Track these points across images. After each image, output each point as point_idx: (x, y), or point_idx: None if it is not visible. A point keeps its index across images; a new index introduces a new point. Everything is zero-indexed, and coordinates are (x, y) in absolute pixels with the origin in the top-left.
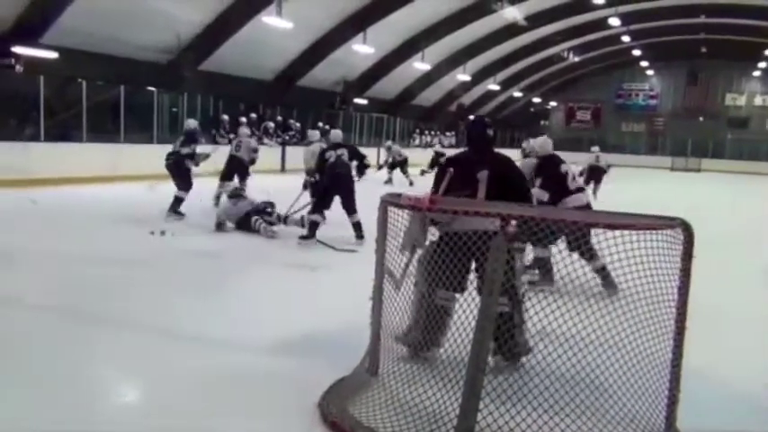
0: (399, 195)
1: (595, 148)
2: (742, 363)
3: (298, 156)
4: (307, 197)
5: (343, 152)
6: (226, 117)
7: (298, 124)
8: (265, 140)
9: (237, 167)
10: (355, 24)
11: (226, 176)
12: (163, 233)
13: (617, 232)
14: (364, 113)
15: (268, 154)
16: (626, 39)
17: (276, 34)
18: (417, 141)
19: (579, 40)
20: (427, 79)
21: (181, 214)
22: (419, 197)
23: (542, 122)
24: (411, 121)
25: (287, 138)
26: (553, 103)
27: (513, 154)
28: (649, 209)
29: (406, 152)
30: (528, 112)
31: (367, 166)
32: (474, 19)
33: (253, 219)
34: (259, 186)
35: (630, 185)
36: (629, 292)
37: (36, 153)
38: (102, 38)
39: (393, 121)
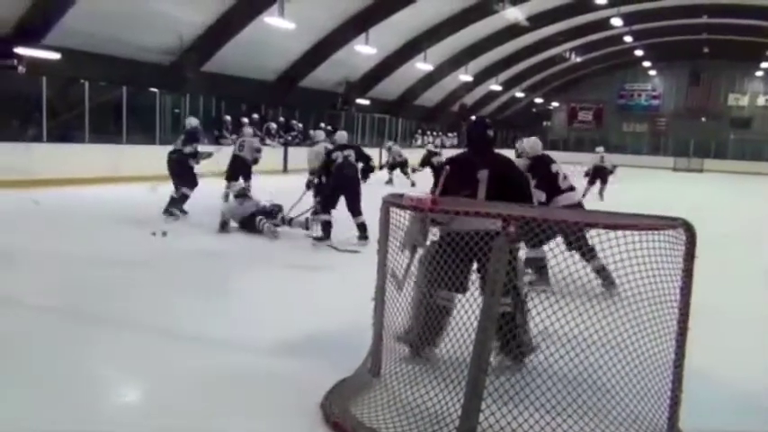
0: (401, 196)
1: (600, 149)
2: (744, 363)
3: (300, 156)
4: (309, 197)
5: (350, 153)
6: (228, 118)
7: (300, 125)
8: (267, 141)
9: (241, 167)
10: (357, 25)
11: (230, 176)
12: (164, 234)
13: (619, 233)
14: (366, 114)
15: (270, 155)
16: (628, 39)
17: (278, 35)
18: (419, 142)
19: (581, 40)
20: (429, 80)
21: (184, 212)
22: (421, 198)
23: (544, 123)
24: (413, 122)
25: (289, 138)
26: (555, 104)
27: (510, 154)
28: (651, 209)
29: (408, 153)
30: (530, 113)
31: (372, 170)
32: (476, 19)
33: (257, 218)
34: (261, 187)
35: (633, 186)
36: (631, 292)
37: (38, 154)
38: (104, 39)
39: (395, 122)
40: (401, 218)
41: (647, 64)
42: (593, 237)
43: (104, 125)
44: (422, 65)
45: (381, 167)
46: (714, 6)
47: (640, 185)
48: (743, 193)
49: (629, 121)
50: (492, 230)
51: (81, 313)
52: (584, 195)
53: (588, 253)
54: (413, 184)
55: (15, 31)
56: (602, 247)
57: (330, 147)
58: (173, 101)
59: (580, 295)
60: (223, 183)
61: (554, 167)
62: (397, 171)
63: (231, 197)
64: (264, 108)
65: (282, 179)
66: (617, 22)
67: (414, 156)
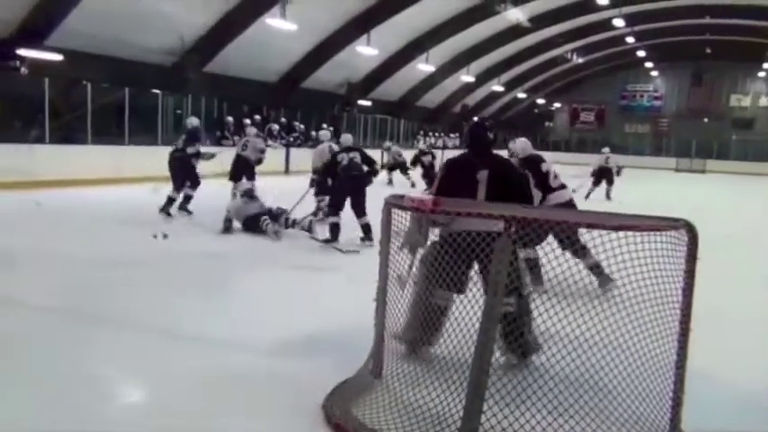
0: (403, 197)
1: (606, 149)
2: (746, 364)
3: (302, 157)
4: (311, 196)
5: (356, 155)
6: (230, 119)
7: (302, 126)
8: (270, 142)
9: (244, 167)
10: (359, 26)
11: (233, 176)
12: (165, 236)
13: (621, 234)
14: (368, 115)
15: (272, 156)
16: (630, 40)
17: (280, 36)
18: (421, 143)
19: (583, 41)
20: (431, 81)
21: (189, 212)
22: (423, 199)
23: (546, 124)
24: (415, 123)
25: (291, 140)
26: (557, 105)
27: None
28: (654, 210)
29: (409, 154)
30: (532, 114)
31: (376, 173)
32: (478, 20)
33: (262, 219)
34: (264, 188)
35: (635, 186)
36: (633, 293)
37: (41, 155)
38: (106, 40)
39: (397, 123)
40: (403, 219)
41: (649, 65)
42: (595, 237)
43: (107, 126)
44: (423, 66)
45: (381, 167)
46: (716, 7)
47: (642, 186)
48: (745, 194)
49: (632, 122)
50: (494, 231)
51: (81, 313)
52: (587, 196)
53: (581, 250)
54: (413, 185)
55: (18, 32)
56: (605, 248)
57: (334, 146)
58: (175, 102)
59: (582, 296)
60: (224, 183)
61: (544, 167)
62: (397, 171)
63: (237, 196)
64: (266, 109)
65: (284, 180)
66: (619, 22)
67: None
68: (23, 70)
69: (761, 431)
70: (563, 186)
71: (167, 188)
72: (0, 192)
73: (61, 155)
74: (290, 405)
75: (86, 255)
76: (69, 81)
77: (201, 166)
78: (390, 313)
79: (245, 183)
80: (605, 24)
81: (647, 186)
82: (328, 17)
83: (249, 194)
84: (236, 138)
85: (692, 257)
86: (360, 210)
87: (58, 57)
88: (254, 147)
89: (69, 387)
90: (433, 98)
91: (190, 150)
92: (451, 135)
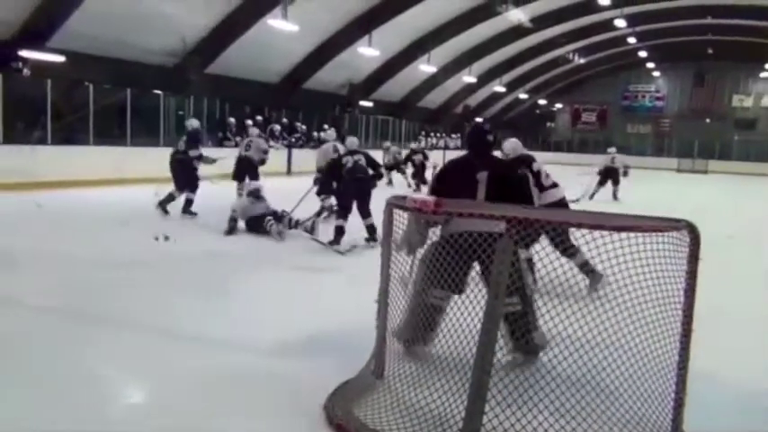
0: (404, 198)
1: (612, 149)
2: (748, 364)
3: (304, 158)
4: (313, 195)
5: (360, 157)
6: (232, 120)
7: (304, 127)
8: (271, 143)
9: (247, 168)
10: (361, 27)
11: (237, 177)
12: (167, 238)
13: (623, 234)
14: (370, 116)
15: (274, 157)
16: (632, 40)
17: (282, 37)
18: (423, 144)
19: (585, 41)
20: (433, 81)
21: (193, 213)
22: (425, 200)
23: (548, 124)
24: (417, 124)
25: (293, 140)
26: (559, 105)
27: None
28: (655, 210)
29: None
30: (534, 114)
31: (381, 176)
32: (479, 21)
33: (266, 219)
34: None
35: (637, 187)
36: (635, 294)
37: (43, 156)
38: (108, 41)
39: (399, 124)
40: (404, 220)
41: (651, 65)
42: (597, 239)
43: (109, 127)
44: (425, 66)
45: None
46: (718, 7)
47: (644, 187)
48: (747, 195)
49: (633, 123)
50: (495, 232)
51: (82, 314)
52: (592, 196)
53: (570, 249)
54: (409, 185)
55: (20, 34)
56: (606, 248)
57: (339, 146)
58: (177, 103)
59: (584, 297)
60: (224, 184)
61: (535, 166)
62: (395, 171)
63: (244, 195)
64: (268, 110)
65: (286, 181)
66: (621, 23)
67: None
68: (26, 72)
69: (763, 431)
70: (555, 185)
71: (168, 190)
72: (2, 193)
73: (63, 156)
74: (291, 405)
75: (88, 255)
76: (71, 82)
77: (202, 169)
78: (392, 314)
79: (252, 183)
80: (607, 25)
81: (649, 187)
82: (330, 18)
83: (256, 195)
84: (237, 139)
85: (693, 258)
86: (364, 210)
87: (60, 58)
88: (257, 147)
89: (69, 387)
90: (434, 99)
91: (192, 153)
92: (453, 136)
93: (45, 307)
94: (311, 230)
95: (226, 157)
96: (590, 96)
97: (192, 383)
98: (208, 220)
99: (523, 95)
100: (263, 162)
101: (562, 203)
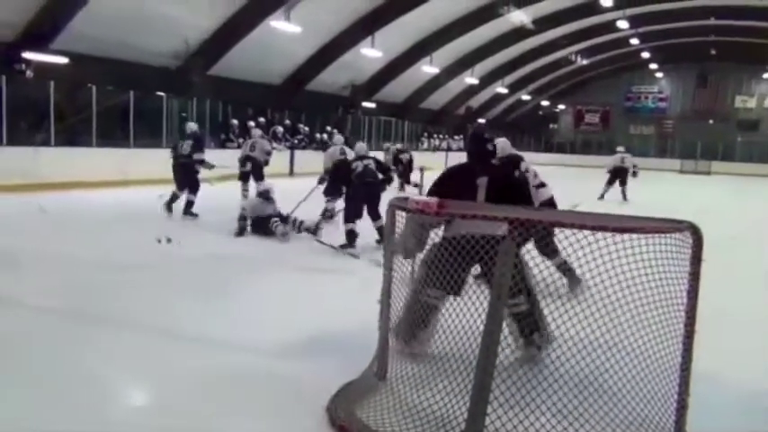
0: (407, 199)
1: (621, 148)
2: (751, 365)
3: (306, 159)
4: (315, 199)
5: (370, 162)
6: (235, 122)
7: (306, 128)
8: (274, 144)
9: (253, 168)
10: (363, 28)
11: (242, 177)
12: (169, 240)
13: (625, 236)
14: (372, 117)
15: (277, 158)
16: (635, 41)
17: (284, 38)
18: (426, 145)
19: (587, 42)
20: (435, 83)
21: (195, 215)
22: (428, 201)
23: (551, 126)
24: (419, 125)
25: (295, 142)
26: (561, 107)
27: None
28: (658, 212)
29: (416, 155)
30: (536, 116)
31: (391, 180)
32: (482, 22)
33: (272, 220)
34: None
35: (640, 188)
36: (638, 295)
37: (46, 158)
38: (111, 43)
39: (401, 125)
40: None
41: (653, 66)
42: (599, 240)
43: (111, 129)
44: (428, 68)
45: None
46: (721, 8)
47: (647, 188)
48: (750, 196)
49: (636, 124)
50: (497, 235)
51: (82, 314)
52: (602, 196)
53: (551, 249)
54: (407, 184)
55: (23, 36)
56: (609, 250)
57: (345, 148)
58: (179, 105)
59: (586, 298)
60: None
61: (523, 165)
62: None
63: (254, 195)
64: (271, 112)
65: (289, 182)
66: (623, 24)
67: (422, 158)
68: (29, 73)
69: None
70: (543, 185)
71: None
72: (6, 194)
73: (66, 157)
74: (293, 406)
75: (90, 257)
76: (74, 84)
77: (202, 173)
78: (395, 315)
79: (263, 183)
80: (609, 26)
81: (652, 188)
82: (332, 19)
83: (266, 196)
84: (240, 140)
85: (696, 259)
86: (375, 213)
87: (63, 60)
88: (261, 148)
89: (69, 387)
90: (437, 100)
91: (197, 156)
92: (456, 137)
93: (45, 307)
94: (314, 231)
95: (228, 166)
96: (593, 98)
97: (193, 384)
98: (209, 221)
99: (526, 97)
100: (266, 163)
101: (551, 203)
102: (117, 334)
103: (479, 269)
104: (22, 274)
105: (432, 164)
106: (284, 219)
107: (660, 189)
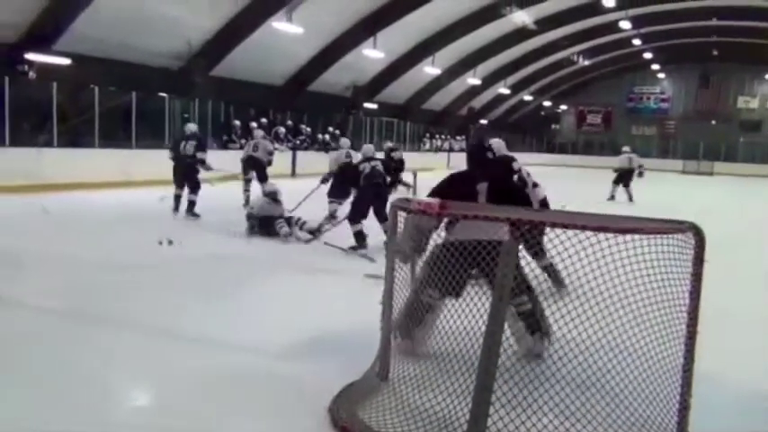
0: (409, 200)
1: (626, 148)
2: (753, 366)
3: (308, 160)
4: (317, 199)
5: (377, 163)
6: (237, 122)
7: (308, 129)
8: (276, 145)
9: (254, 167)
10: (365, 29)
11: (245, 177)
12: (171, 243)
13: (627, 236)
14: (374, 118)
15: (279, 159)
16: (637, 42)
17: (286, 39)
18: (428, 146)
19: (590, 43)
20: (437, 83)
21: (196, 215)
22: (430, 202)
23: (553, 126)
24: (421, 126)
25: (297, 142)
26: (564, 107)
27: (519, 157)
28: (661, 212)
29: (418, 156)
30: (538, 116)
31: (400, 181)
32: (484, 23)
33: (277, 221)
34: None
35: (642, 188)
36: (640, 296)
37: (49, 159)
38: (113, 44)
39: (403, 126)
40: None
41: (655, 67)
42: (602, 240)
43: (114, 130)
44: (430, 69)
45: None
46: (724, 9)
47: (650, 188)
48: (753, 196)
49: (638, 124)
50: (493, 240)
51: (82, 314)
52: (612, 197)
53: (539, 251)
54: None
55: (26, 37)
56: (611, 250)
57: (351, 152)
58: (182, 106)
59: (588, 299)
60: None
61: (516, 165)
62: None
63: (261, 196)
64: (273, 112)
65: (291, 183)
66: (625, 25)
67: (424, 159)
68: (31, 75)
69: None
70: (535, 185)
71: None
72: (8, 195)
73: (69, 158)
74: (295, 407)
75: (92, 257)
76: (77, 85)
77: (203, 173)
78: (396, 315)
79: (271, 184)
80: (612, 26)
81: (654, 189)
82: (334, 20)
83: (273, 197)
84: (242, 141)
85: (698, 260)
86: (382, 216)
87: (65, 61)
88: (264, 148)
89: (69, 387)
90: (439, 101)
91: (200, 156)
92: (458, 138)
93: (46, 307)
94: (315, 232)
95: (227, 171)
96: (595, 98)
97: (193, 384)
98: (210, 222)
99: (528, 97)
100: (269, 163)
101: (544, 203)
102: (117, 334)
103: (481, 271)
104: (24, 274)
105: (433, 164)
106: (289, 221)
107: (663, 190)
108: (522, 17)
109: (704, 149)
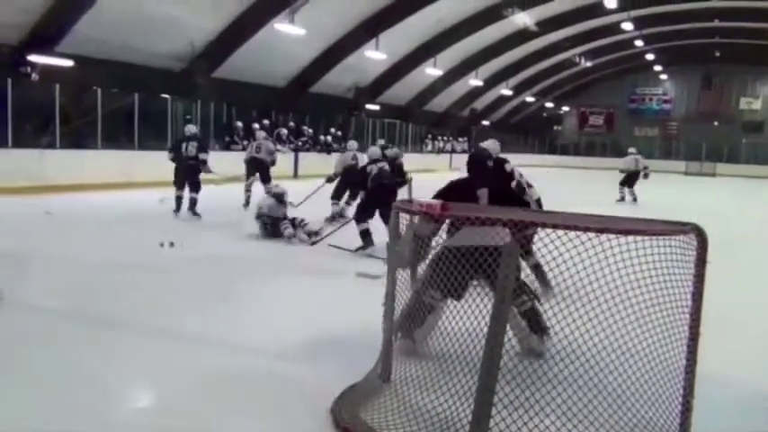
0: (411, 201)
1: (632, 149)
2: (756, 367)
3: (310, 162)
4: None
5: (384, 165)
6: (239, 124)
7: (310, 130)
8: (278, 147)
9: (258, 168)
10: (367, 30)
11: (248, 177)
12: (172, 245)
13: (630, 238)
14: (376, 119)
15: (281, 160)
16: (639, 43)
17: (288, 41)
18: (430, 147)
19: (592, 44)
20: (439, 85)
21: (197, 215)
22: (431, 203)
23: (555, 127)
24: (423, 127)
25: (300, 144)
26: (566, 108)
27: (521, 158)
28: (663, 214)
29: (420, 157)
30: (541, 118)
31: (406, 182)
32: (486, 24)
33: (282, 223)
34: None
35: (645, 190)
36: (642, 298)
37: (51, 160)
38: (116, 46)
39: (405, 127)
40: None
41: (658, 68)
42: (604, 242)
43: (116, 131)
44: (432, 70)
45: None
46: (726, 10)
47: (652, 189)
48: (755, 197)
49: (641, 126)
50: (491, 246)
51: (83, 314)
52: (622, 198)
53: (527, 251)
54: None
55: (29, 38)
56: (614, 252)
57: (358, 154)
58: (184, 107)
59: (590, 301)
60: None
61: (508, 167)
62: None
63: (268, 196)
64: (275, 114)
65: (293, 184)
66: (628, 26)
67: (426, 160)
68: (34, 76)
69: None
70: (529, 185)
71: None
72: (11, 196)
73: (71, 160)
74: (297, 408)
75: (93, 258)
76: (79, 87)
77: (203, 175)
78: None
79: (277, 186)
80: (614, 28)
81: (657, 189)
82: (336, 22)
83: (280, 198)
84: (245, 142)
85: (701, 262)
86: (388, 217)
87: (68, 63)
88: (266, 149)
89: (69, 387)
90: (441, 102)
91: (202, 156)
92: (460, 139)
93: (47, 308)
94: (313, 234)
95: (229, 174)
96: (597, 99)
97: (194, 384)
98: (211, 222)
99: (530, 98)
100: (273, 163)
101: (538, 204)
102: (117, 334)
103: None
104: (26, 275)
105: (435, 166)
106: (293, 222)
107: (665, 191)
108: (523, 19)
109: (707, 151)
